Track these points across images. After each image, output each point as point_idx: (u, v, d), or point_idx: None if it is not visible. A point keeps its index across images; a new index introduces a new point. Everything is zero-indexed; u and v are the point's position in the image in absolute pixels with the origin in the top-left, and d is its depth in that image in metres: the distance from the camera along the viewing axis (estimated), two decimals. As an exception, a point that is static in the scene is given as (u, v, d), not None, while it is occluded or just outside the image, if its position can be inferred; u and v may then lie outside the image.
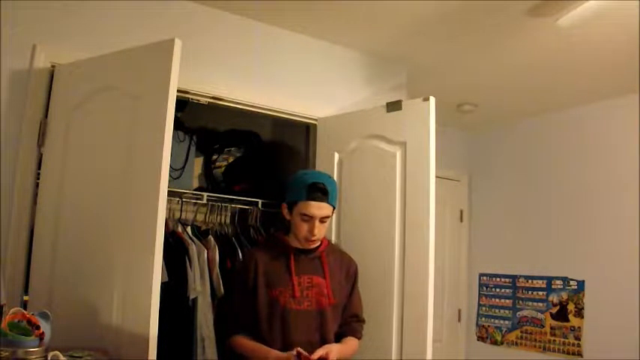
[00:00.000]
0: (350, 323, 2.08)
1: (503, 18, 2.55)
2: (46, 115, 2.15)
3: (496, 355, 4.04)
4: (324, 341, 1.96)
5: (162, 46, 1.93)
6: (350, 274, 2.13)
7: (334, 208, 2.04)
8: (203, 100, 2.51)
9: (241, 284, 2.05)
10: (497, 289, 4.14)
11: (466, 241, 4.43)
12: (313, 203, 1.95)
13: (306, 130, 2.98)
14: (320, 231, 1.99)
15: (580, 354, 3.49)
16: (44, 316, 1.47)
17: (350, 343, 2.04)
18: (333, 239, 2.55)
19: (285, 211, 2.05)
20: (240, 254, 2.78)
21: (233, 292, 2.13)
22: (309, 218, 1.96)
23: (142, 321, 1.75)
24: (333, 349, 1.88)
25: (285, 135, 3.35)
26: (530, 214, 3.97)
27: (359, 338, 2.09)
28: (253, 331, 1.98)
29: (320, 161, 2.73)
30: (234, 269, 2.58)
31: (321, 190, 1.95)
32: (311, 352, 1.84)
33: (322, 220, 1.97)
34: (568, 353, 3.56)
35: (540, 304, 3.80)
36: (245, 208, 3.11)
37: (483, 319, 4.23)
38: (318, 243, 2.07)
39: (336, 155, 2.65)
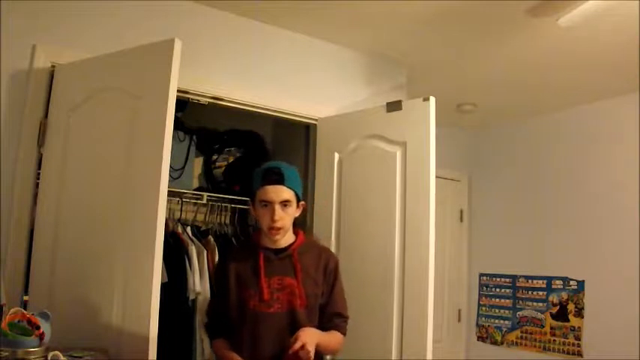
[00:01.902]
0: (332, 321, 1.95)
1: (504, 18, 2.55)
2: (46, 115, 2.15)
3: (496, 355, 4.04)
4: None
5: (162, 46, 1.93)
6: (328, 270, 1.97)
7: (298, 196, 1.92)
8: (203, 100, 2.51)
9: (217, 286, 2.03)
10: (497, 289, 4.14)
11: (466, 241, 4.43)
12: (269, 187, 1.86)
13: (306, 130, 2.98)
14: (282, 218, 1.86)
15: (580, 354, 3.49)
16: (44, 316, 1.47)
17: (335, 336, 1.93)
18: (333, 239, 2.55)
19: (252, 210, 1.97)
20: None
21: (212, 295, 2.09)
22: (267, 204, 1.86)
23: (142, 321, 1.75)
24: (309, 333, 1.79)
25: (285, 135, 3.35)
26: (530, 214, 3.96)
27: (343, 334, 1.98)
28: (229, 335, 1.92)
29: (320, 161, 2.73)
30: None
31: (275, 174, 1.87)
32: (282, 356, 1.78)
33: (283, 204, 1.86)
34: (568, 353, 3.56)
35: (540, 304, 3.80)
36: (245, 208, 3.11)
37: (483, 319, 4.23)
38: (287, 238, 1.95)
39: (336, 155, 2.65)
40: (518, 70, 3.18)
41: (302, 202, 1.97)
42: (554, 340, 3.67)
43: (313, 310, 1.93)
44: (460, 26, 2.68)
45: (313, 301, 1.92)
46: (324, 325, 1.94)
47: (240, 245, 2.14)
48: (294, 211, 1.92)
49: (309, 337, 1.77)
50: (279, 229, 1.88)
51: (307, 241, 2.03)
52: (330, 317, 1.96)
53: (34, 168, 2.13)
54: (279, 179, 1.86)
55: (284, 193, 1.87)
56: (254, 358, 1.82)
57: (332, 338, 1.92)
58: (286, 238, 1.95)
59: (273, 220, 1.85)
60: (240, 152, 3.24)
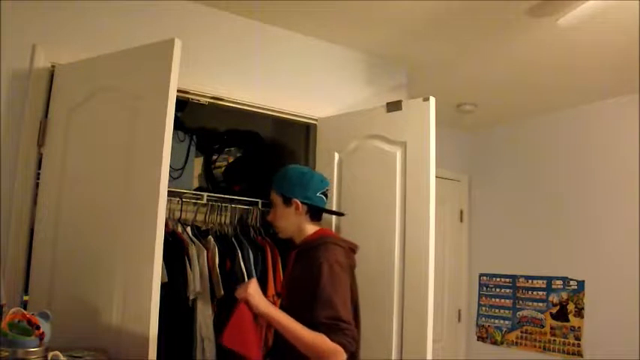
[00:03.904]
0: (318, 330, 1.66)
1: (503, 18, 2.55)
2: (46, 115, 2.15)
3: (496, 355, 4.04)
4: (276, 346, 1.89)
5: (162, 46, 1.93)
6: (312, 275, 1.73)
7: (283, 196, 1.90)
8: (203, 100, 2.51)
9: None
10: (497, 289, 4.14)
11: (466, 241, 4.43)
12: None
13: (306, 130, 2.98)
14: (272, 218, 1.98)
15: (580, 354, 3.49)
16: (44, 316, 1.47)
17: (314, 334, 1.65)
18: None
19: None
20: (239, 254, 2.78)
21: None
22: None
23: (142, 321, 1.75)
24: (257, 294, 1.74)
25: (285, 135, 3.35)
26: (530, 214, 3.97)
27: (334, 340, 1.64)
28: None
29: (320, 161, 2.73)
30: None
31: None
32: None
33: (273, 205, 1.97)
34: (568, 353, 3.56)
35: (540, 304, 3.80)
36: (245, 208, 3.11)
37: (483, 319, 4.23)
38: (303, 236, 1.91)
39: (336, 155, 2.65)
40: (518, 70, 3.18)
41: (294, 200, 1.89)
42: (554, 340, 3.67)
43: (301, 319, 1.69)
44: (460, 26, 2.68)
45: (297, 307, 1.74)
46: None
47: None
48: (282, 211, 1.94)
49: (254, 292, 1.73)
50: (275, 227, 2.00)
51: (312, 240, 1.87)
52: (315, 328, 1.66)
53: (34, 168, 2.13)
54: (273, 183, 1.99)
55: (271, 195, 1.98)
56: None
57: (304, 331, 1.66)
58: (302, 236, 1.94)
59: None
60: (240, 152, 3.24)
